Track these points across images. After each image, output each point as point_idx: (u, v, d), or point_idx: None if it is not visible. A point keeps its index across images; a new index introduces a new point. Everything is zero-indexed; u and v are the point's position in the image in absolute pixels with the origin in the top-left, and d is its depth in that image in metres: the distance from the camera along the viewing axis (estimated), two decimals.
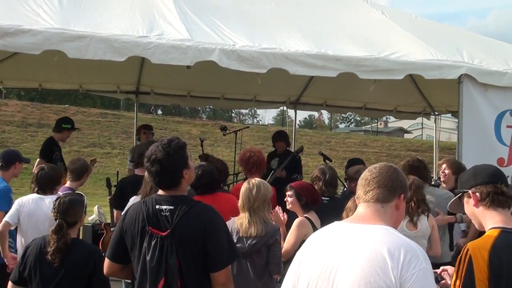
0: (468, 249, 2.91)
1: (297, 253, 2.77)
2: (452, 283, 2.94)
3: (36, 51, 5.80)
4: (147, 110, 38.09)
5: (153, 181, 3.82)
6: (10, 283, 4.35)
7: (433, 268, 3.88)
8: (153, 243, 3.60)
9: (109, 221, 10.24)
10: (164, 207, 3.66)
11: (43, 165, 6.15)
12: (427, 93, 11.06)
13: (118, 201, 6.65)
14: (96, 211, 10.81)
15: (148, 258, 3.61)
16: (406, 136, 62.98)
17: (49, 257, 4.23)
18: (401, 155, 43.20)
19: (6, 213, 6.01)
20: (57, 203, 4.43)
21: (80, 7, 6.58)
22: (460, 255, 2.94)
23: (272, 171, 8.62)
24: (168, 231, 3.58)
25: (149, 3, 7.08)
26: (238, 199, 5.27)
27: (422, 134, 58.51)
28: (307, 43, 6.80)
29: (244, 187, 5.10)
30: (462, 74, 7.08)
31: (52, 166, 6.15)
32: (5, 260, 5.95)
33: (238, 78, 8.48)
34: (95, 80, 10.76)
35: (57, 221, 4.32)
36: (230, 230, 4.84)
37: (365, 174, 2.77)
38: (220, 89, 11.29)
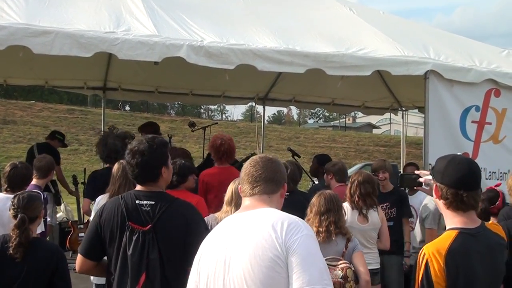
0: (424, 253, 2.92)
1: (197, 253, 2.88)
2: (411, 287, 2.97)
3: (0, 46, 5.69)
4: (115, 106, 37.74)
5: (131, 173, 3.81)
6: None
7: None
8: (134, 238, 3.61)
9: (76, 218, 10.13)
10: (144, 202, 3.68)
11: (16, 162, 5.99)
12: (395, 89, 11.17)
13: (88, 191, 6.64)
14: (63, 209, 10.69)
15: (129, 252, 3.62)
16: (375, 131, 63.59)
17: (11, 252, 4.16)
18: (369, 150, 43.62)
19: None
20: (15, 199, 4.38)
21: (45, 2, 6.46)
22: (417, 258, 2.95)
23: None
24: (150, 225, 3.60)
25: None
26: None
27: (390, 129, 59.10)
28: (275, 39, 6.80)
29: (235, 183, 4.94)
30: (428, 70, 7.15)
31: (25, 165, 5.97)
32: None
33: (207, 74, 8.44)
34: (61, 76, 10.60)
35: (19, 215, 4.26)
36: (210, 226, 4.85)
37: (250, 170, 2.90)
38: (188, 85, 11.24)
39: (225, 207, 4.97)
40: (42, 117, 38.00)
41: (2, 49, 5.73)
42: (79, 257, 3.84)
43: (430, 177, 3.35)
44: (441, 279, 2.85)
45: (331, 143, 44.28)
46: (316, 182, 8.68)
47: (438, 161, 3.17)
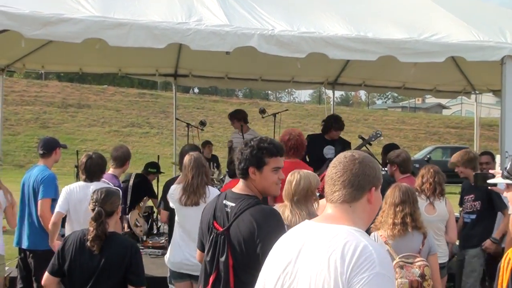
0: (510, 258, 2.86)
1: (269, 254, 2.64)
2: None
3: (78, 39, 5.86)
4: (184, 89, 38.23)
5: None
6: (46, 274, 4.45)
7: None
8: (210, 238, 3.70)
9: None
10: (229, 203, 3.70)
11: (91, 153, 6.23)
12: (468, 72, 10.87)
13: (164, 202, 6.66)
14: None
15: (205, 251, 3.75)
16: (445, 112, 62.09)
17: (89, 244, 4.32)
18: (439, 132, 42.72)
19: (53, 200, 6.24)
20: (94, 194, 4.54)
21: None
22: (502, 263, 2.89)
23: (328, 160, 8.43)
24: (225, 228, 3.62)
25: None
26: None
27: (461, 110, 57.63)
28: (346, 26, 6.71)
29: (288, 178, 4.84)
30: (505, 56, 6.90)
31: (99, 155, 6.23)
32: (52, 248, 6.12)
33: (276, 60, 8.41)
34: (134, 64, 10.89)
35: (96, 209, 4.41)
36: None
37: (331, 172, 2.52)
38: (257, 71, 11.31)
39: (284, 201, 4.90)
40: (114, 101, 38.95)
41: (79, 42, 5.90)
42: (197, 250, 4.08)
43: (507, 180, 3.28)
44: None
45: (400, 124, 43.58)
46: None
47: None
